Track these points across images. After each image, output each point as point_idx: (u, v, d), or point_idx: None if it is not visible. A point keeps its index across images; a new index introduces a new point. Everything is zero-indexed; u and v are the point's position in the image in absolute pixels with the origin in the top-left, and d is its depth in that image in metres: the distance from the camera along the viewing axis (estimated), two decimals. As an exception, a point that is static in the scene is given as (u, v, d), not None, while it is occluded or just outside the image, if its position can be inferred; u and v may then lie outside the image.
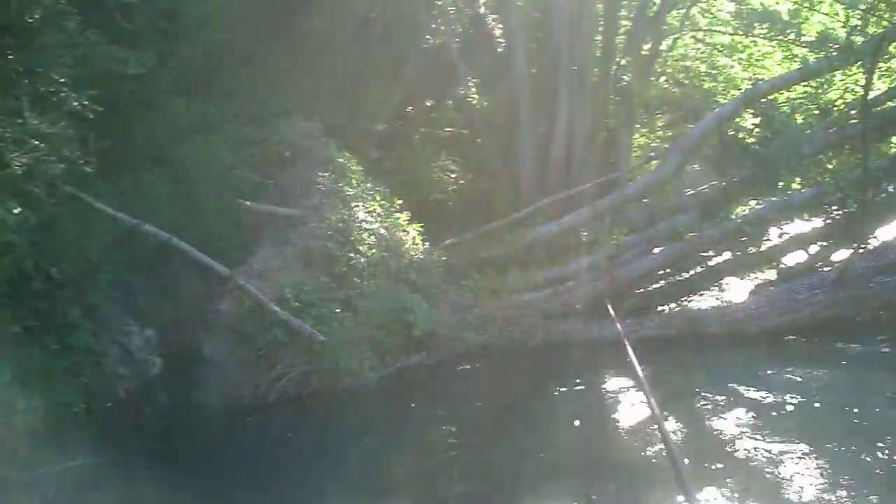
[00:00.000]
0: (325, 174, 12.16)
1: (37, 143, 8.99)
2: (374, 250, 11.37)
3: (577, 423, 9.31)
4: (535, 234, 13.74)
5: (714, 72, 19.96)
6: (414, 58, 16.89)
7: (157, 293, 11.49)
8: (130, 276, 11.15)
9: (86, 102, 9.47)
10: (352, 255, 11.01)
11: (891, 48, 15.14)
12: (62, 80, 9.40)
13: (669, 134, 18.47)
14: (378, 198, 12.66)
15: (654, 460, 7.91)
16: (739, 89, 18.61)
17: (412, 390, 10.51)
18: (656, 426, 8.24)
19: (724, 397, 9.62)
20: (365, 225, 11.65)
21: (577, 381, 10.48)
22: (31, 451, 8.18)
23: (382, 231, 11.87)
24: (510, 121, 16.01)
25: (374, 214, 12.09)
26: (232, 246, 12.06)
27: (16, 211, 8.70)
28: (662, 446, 7.62)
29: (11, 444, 8.25)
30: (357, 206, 11.88)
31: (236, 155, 13.11)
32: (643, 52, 17.16)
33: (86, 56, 10.15)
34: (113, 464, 8.21)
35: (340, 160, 12.79)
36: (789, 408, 9.09)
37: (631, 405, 9.53)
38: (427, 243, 12.79)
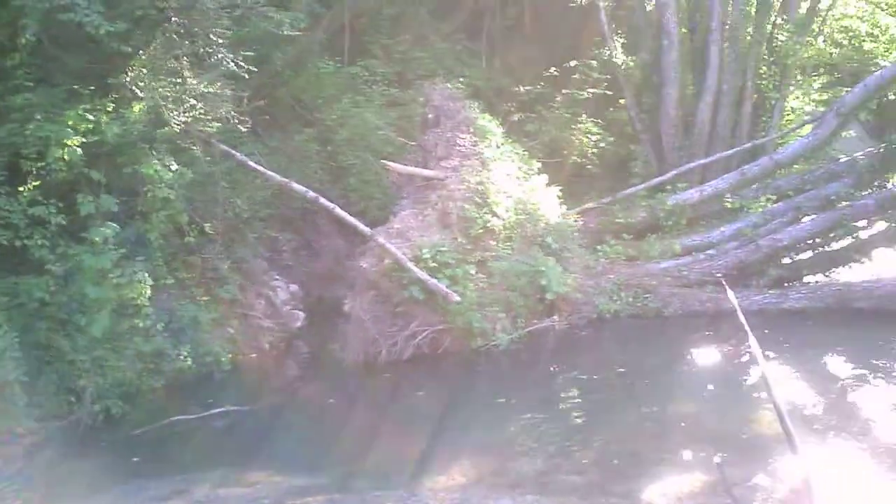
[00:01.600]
0: (466, 136, 12.30)
1: (194, 102, 9.59)
2: (510, 213, 11.45)
3: (708, 391, 9.20)
4: (675, 199, 13.46)
5: (875, 31, 18.70)
6: (559, 18, 16.77)
7: (302, 250, 12.07)
8: (277, 233, 11.74)
9: (241, 63, 9.97)
10: (489, 217, 11.12)
11: None
12: (220, 41, 9.89)
13: (825, 97, 17.54)
14: (517, 160, 12.71)
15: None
16: (904, 50, 17.44)
17: (543, 353, 10.59)
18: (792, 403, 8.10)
19: (867, 373, 9.25)
20: (503, 187, 11.71)
21: (711, 351, 10.31)
22: (180, 398, 8.91)
23: (520, 194, 11.92)
24: (656, 82, 15.66)
25: (512, 177, 12.15)
26: (374, 205, 12.53)
27: (173, 167, 9.36)
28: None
29: (160, 389, 9.03)
30: (496, 168, 11.96)
31: (381, 116, 13.48)
32: (800, 11, 16.31)
33: (242, 18, 10.65)
34: (254, 412, 8.81)
35: (481, 122, 12.91)
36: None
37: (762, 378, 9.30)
38: (565, 207, 12.75)
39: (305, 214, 12.41)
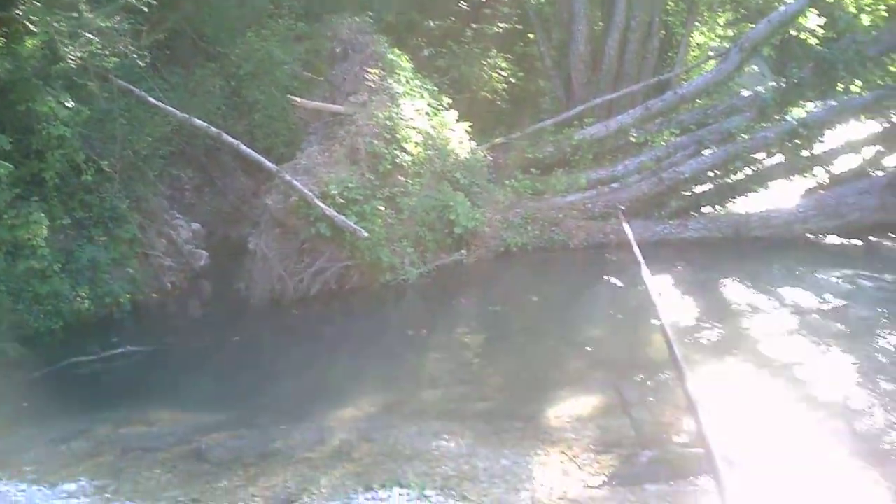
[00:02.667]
0: (375, 71, 12.11)
1: (91, 37, 9.16)
2: (420, 148, 11.39)
3: (609, 318, 9.46)
4: (583, 134, 13.61)
5: (781, -32, 19.04)
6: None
7: (205, 187, 11.81)
8: (179, 171, 11.44)
9: (140, -4, 9.57)
10: (398, 153, 11.04)
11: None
12: (117, -28, 9.48)
13: (731, 33, 17.86)
14: (427, 96, 12.61)
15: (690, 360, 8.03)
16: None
17: (451, 286, 10.72)
18: (689, 327, 8.45)
19: (763, 298, 9.64)
20: (412, 123, 11.63)
21: (614, 280, 10.56)
22: (80, 340, 8.72)
23: (430, 129, 11.87)
24: (564, 17, 15.67)
25: (421, 112, 12.07)
26: (280, 142, 12.32)
27: (69, 104, 8.99)
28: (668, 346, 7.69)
29: (59, 331, 8.82)
30: (405, 103, 11.85)
31: (287, 51, 13.16)
32: (707, -54, 16.49)
33: (140, -52, 10.18)
34: (155, 352, 8.69)
35: (390, 57, 12.72)
36: (826, 309, 9.06)
37: (664, 304, 9.60)
38: (474, 142, 12.76)
39: (209, 152, 12.14)
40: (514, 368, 8.27)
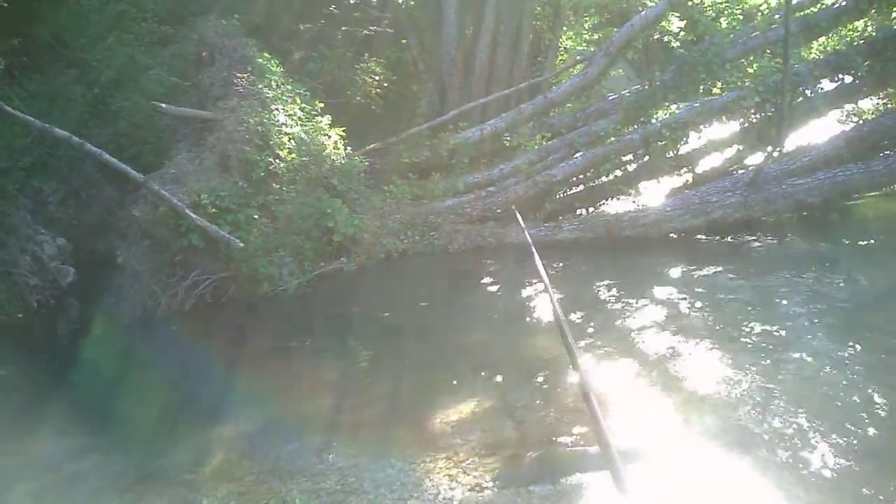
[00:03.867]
0: (245, 75, 11.85)
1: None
2: (294, 155, 11.19)
3: (492, 320, 9.56)
4: (458, 139, 13.73)
5: (642, -26, 19.77)
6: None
7: (70, 200, 11.27)
8: (41, 183, 10.89)
9: (-9, -2, 9.08)
10: (271, 159, 10.82)
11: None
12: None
13: (596, 37, 18.40)
14: (299, 100, 12.41)
15: (566, 355, 8.19)
16: (667, -8, 18.53)
17: (332, 295, 10.58)
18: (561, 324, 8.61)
19: (635, 296, 9.92)
20: (285, 129, 11.40)
21: (494, 282, 10.71)
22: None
23: (303, 135, 11.68)
24: (436, 21, 15.75)
25: (294, 118, 11.87)
26: (147, 150, 11.88)
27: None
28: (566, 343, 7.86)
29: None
30: (277, 108, 11.62)
31: (152, 55, 12.74)
32: (572, -47, 16.93)
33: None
34: (17, 374, 8.23)
35: (260, 61, 12.46)
36: (697, 304, 9.40)
37: (544, 305, 9.79)
38: (349, 148, 12.66)
39: (72, 162, 11.56)
40: (399, 375, 8.23)
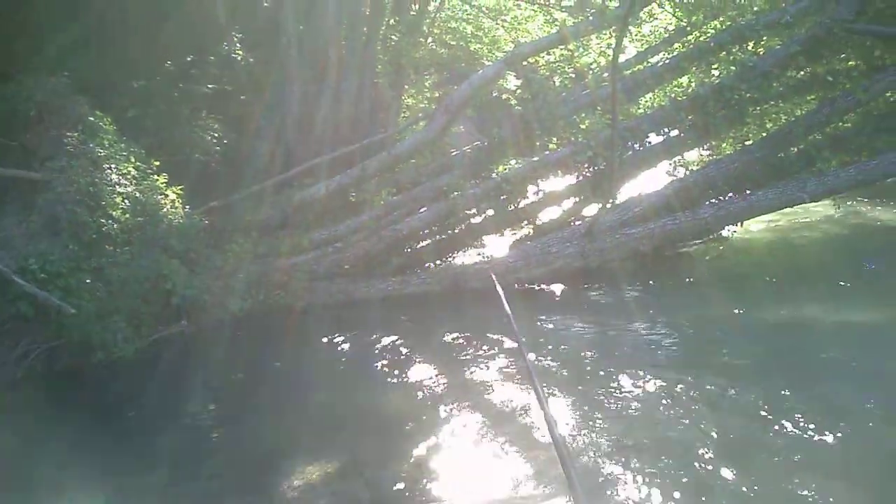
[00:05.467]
0: (75, 134, 11.30)
1: None
2: (128, 215, 10.69)
3: (340, 379, 9.46)
4: (302, 195, 13.55)
5: (480, 34, 20.49)
6: (174, 11, 16.04)
7: None
8: None
9: None
10: (103, 220, 10.30)
11: (641, 14, 16.28)
12: None
13: (437, 95, 18.80)
14: (133, 159, 11.88)
15: (416, 410, 8.16)
16: (503, 51, 19.25)
17: (172, 361, 10.13)
18: (424, 380, 8.65)
19: (483, 346, 10.06)
20: (118, 188, 10.88)
21: (340, 340, 10.59)
22: None
23: (138, 195, 11.18)
24: (277, 79, 15.63)
25: (128, 177, 11.35)
26: (-32, 214, 11.04)
27: None
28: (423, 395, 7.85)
29: None
30: (109, 167, 11.11)
31: (-25, 114, 11.94)
32: (412, 12, 17.29)
33: None
34: None
35: (91, 119, 11.93)
36: (542, 353, 9.64)
37: (395, 361, 9.75)
38: (188, 207, 12.24)
39: None
40: (244, 441, 7.99)
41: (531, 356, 9.09)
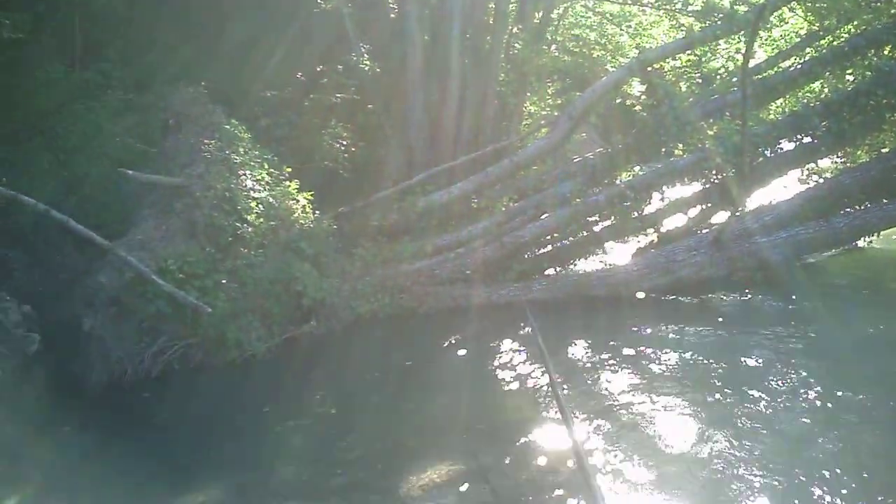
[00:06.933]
0: (211, 142, 11.85)
1: None
2: (261, 219, 11.14)
3: (463, 383, 9.53)
4: (426, 201, 13.79)
5: (603, 40, 20.34)
6: (304, 22, 16.65)
7: (35, 267, 11.11)
8: (5, 250, 10.74)
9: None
10: (238, 224, 10.73)
11: (771, 18, 15.81)
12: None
13: (559, 102, 18.76)
14: (266, 166, 12.39)
15: (544, 419, 8.17)
16: (627, 58, 19.05)
17: (301, 360, 10.46)
18: (543, 387, 8.64)
19: (607, 355, 9.95)
20: (252, 193, 11.36)
21: (466, 345, 10.71)
22: None
23: (271, 200, 11.64)
24: (402, 87, 15.97)
25: (261, 183, 11.85)
26: (113, 217, 11.78)
27: None
28: (554, 406, 7.86)
29: None
30: (244, 174, 11.60)
31: (119, 123, 12.76)
32: (535, 21, 17.34)
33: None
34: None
35: (227, 127, 12.48)
36: (668, 362, 9.48)
37: (517, 366, 9.78)
38: (317, 212, 12.65)
39: (37, 229, 11.44)
40: (371, 440, 8.16)
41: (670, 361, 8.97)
